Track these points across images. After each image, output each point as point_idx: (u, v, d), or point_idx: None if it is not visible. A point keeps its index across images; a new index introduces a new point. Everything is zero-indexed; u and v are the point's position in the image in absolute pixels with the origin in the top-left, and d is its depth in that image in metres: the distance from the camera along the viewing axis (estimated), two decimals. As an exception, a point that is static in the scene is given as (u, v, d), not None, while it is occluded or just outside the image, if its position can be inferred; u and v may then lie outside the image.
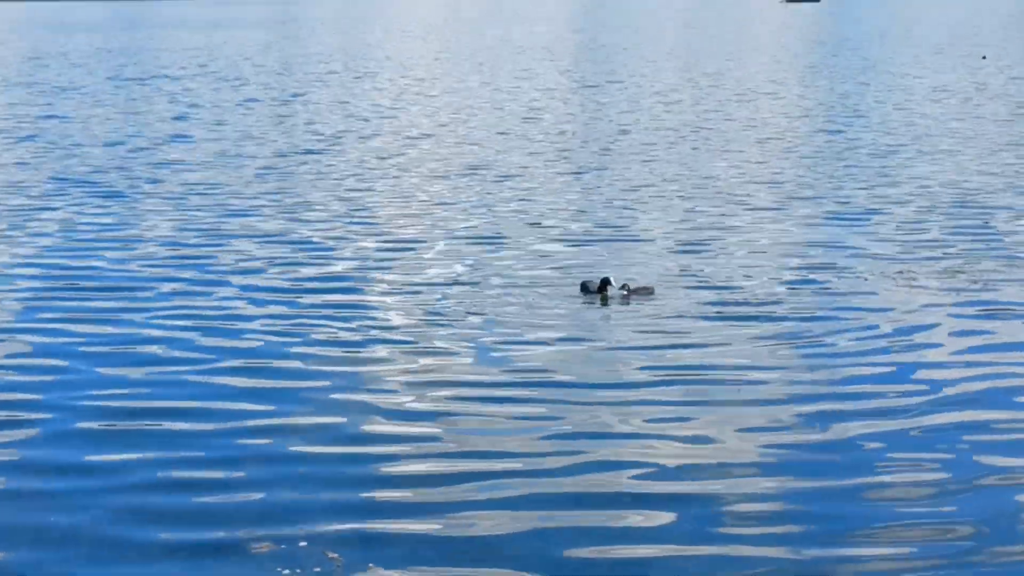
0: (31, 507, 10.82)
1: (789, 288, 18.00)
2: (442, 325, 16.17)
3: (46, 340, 15.84)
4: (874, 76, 57.51)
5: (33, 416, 13.04)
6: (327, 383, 13.96)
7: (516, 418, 12.80)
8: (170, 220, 23.70)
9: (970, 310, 16.79)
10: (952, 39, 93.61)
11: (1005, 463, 11.60)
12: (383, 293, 17.98)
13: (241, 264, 19.93)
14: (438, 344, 15.37)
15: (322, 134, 37.33)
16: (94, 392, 13.76)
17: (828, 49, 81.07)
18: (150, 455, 11.91)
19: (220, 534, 10.24)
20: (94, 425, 12.79)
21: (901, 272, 18.95)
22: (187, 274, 19.27)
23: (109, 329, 16.26)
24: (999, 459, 11.68)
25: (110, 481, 11.34)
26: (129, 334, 15.98)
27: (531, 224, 22.94)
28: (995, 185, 26.93)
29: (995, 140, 34.66)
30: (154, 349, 15.33)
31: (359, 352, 15.11)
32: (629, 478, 11.29)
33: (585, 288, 17.50)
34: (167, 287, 18.46)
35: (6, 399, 13.61)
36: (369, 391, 13.72)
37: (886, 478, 11.22)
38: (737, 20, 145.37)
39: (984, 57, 70.14)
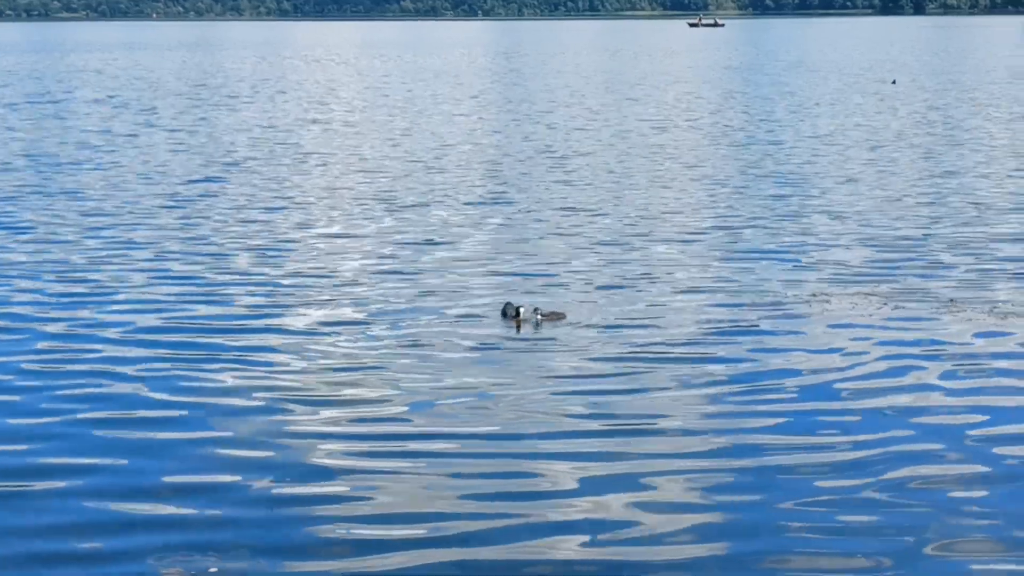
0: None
1: (704, 319, 17.88)
2: (352, 368, 15.54)
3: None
4: (785, 102, 57.98)
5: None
6: (231, 434, 13.15)
7: (433, 457, 12.49)
8: (62, 253, 22.76)
9: (883, 335, 16.76)
10: (859, 63, 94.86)
11: (924, 488, 11.54)
12: (291, 331, 17.25)
13: (135, 301, 18.98)
14: (349, 388, 14.73)
15: (230, 162, 36.57)
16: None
17: (739, 75, 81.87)
18: (30, 514, 11.15)
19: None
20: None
21: (815, 295, 18.94)
22: (78, 313, 18.34)
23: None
24: (917, 484, 11.61)
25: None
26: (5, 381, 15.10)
27: (446, 254, 22.57)
28: (905, 209, 27.10)
29: (906, 165, 34.92)
30: (36, 395, 14.52)
31: (266, 399, 14.29)
32: (552, 517, 11.07)
33: (505, 313, 17.60)
34: (54, 327, 17.51)
35: None
36: (278, 439, 13.04)
37: (815, 513, 11.09)
38: (649, 45, 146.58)
39: (894, 82, 71.10)
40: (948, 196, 29.09)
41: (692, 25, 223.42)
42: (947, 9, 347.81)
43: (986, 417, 13.67)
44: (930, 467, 12.15)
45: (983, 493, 11.54)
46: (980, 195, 29.23)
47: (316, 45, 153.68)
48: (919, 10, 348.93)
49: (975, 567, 10.11)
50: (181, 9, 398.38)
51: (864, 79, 75.08)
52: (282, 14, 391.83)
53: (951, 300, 18.71)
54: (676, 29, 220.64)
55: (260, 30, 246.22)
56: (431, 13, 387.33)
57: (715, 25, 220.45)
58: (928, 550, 10.35)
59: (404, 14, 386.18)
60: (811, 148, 39.19)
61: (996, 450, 12.62)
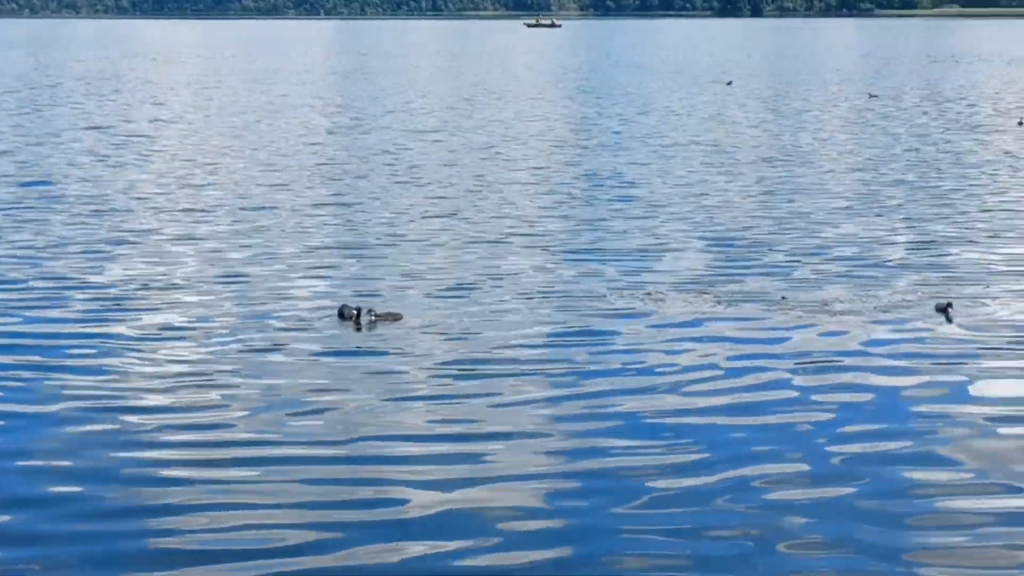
0: None
1: (540, 321, 17.89)
2: (186, 376, 15.05)
3: None
4: (621, 103, 58.42)
5: None
6: (53, 451, 12.55)
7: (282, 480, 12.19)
8: None
9: (716, 334, 16.94)
10: (696, 64, 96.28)
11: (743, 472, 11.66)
12: (120, 340, 16.63)
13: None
14: (182, 397, 14.25)
15: (59, 163, 35.38)
16: None
17: (578, 76, 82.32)
18: None
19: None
20: None
21: (650, 295, 19.08)
22: None
23: None
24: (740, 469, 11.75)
25: None
26: None
27: (283, 258, 22.20)
28: (739, 211, 27.50)
29: (741, 166, 35.41)
30: None
31: (92, 410, 13.71)
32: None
33: (342, 314, 17.53)
34: None
35: None
36: (104, 453, 12.50)
37: (655, 516, 11.13)
38: (487, 45, 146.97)
39: (730, 83, 72.23)
40: (780, 196, 29.56)
41: (530, 26, 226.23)
42: (783, 12, 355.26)
43: (819, 413, 13.87)
44: (765, 466, 12.26)
45: (819, 492, 11.68)
46: (811, 196, 29.72)
47: (154, 43, 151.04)
48: (756, 12, 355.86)
49: (811, 566, 10.25)
50: (15, 6, 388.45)
51: (701, 80, 76.13)
52: (120, 12, 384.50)
53: (782, 298, 18.98)
54: (516, 30, 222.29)
55: (97, 28, 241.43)
56: (273, 12, 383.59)
57: (552, 26, 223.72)
58: (767, 552, 10.46)
59: (245, 13, 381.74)
60: (646, 150, 39.47)
61: (829, 447, 12.81)
